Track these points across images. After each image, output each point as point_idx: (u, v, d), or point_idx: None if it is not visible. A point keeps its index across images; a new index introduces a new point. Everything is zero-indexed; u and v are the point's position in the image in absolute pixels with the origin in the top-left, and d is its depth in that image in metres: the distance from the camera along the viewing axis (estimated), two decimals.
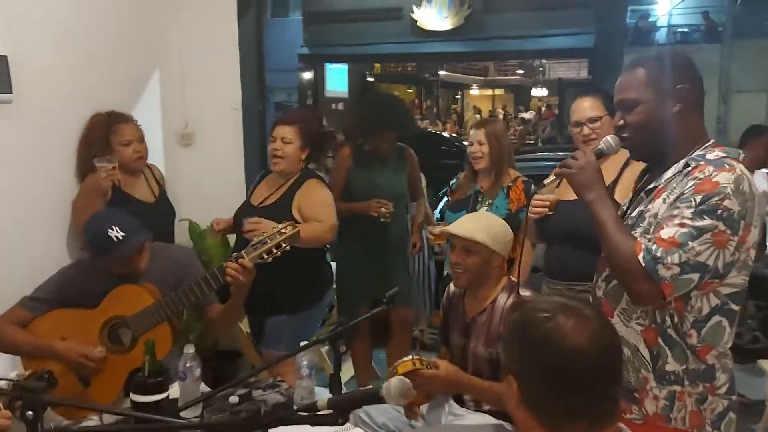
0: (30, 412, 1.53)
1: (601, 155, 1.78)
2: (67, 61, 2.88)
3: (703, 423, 1.66)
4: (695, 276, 1.54)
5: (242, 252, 2.27)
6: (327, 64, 17.19)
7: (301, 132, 2.88)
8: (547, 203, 2.44)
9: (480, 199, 3.12)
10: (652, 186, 1.71)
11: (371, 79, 19.10)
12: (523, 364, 1.08)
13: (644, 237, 1.59)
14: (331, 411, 1.23)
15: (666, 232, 1.54)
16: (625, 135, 1.72)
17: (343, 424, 1.24)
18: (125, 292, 2.30)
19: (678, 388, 1.64)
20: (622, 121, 1.71)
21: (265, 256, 2.28)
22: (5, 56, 2.50)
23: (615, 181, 2.37)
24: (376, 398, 1.25)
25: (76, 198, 2.81)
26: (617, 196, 2.20)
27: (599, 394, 1.06)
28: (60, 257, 2.53)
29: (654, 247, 1.54)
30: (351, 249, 3.53)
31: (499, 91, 23.59)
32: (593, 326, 1.07)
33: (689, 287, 1.56)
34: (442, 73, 19.42)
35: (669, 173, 1.67)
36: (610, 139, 1.77)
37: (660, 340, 1.64)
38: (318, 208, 2.83)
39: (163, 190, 3.08)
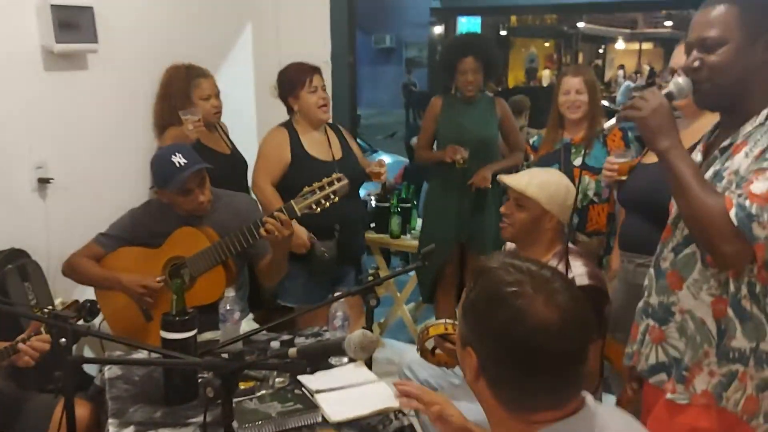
0: (63, 339, 1.66)
1: (671, 99, 1.53)
2: (153, 13, 3.02)
3: (757, 412, 1.48)
4: None
5: (292, 201, 2.29)
6: (459, 18, 16.80)
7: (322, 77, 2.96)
8: (616, 167, 2.24)
9: (573, 151, 2.94)
10: (727, 143, 1.50)
11: (505, 33, 18.43)
12: (486, 342, 1.00)
13: (733, 193, 1.41)
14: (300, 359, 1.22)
15: (758, 187, 1.36)
16: (701, 77, 1.49)
17: (312, 372, 1.23)
18: (186, 234, 2.42)
19: (741, 367, 1.47)
20: (698, 62, 1.49)
21: (314, 207, 2.29)
22: (91, 7, 2.65)
23: None
24: (339, 350, 1.22)
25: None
26: None
27: (567, 374, 0.99)
28: (140, 202, 2.69)
29: (747, 203, 1.36)
30: (435, 197, 3.53)
31: (647, 45, 21.84)
32: (564, 301, 0.98)
33: None
34: (581, 24, 18.31)
35: (747, 127, 1.47)
36: (681, 80, 1.53)
37: (730, 312, 1.47)
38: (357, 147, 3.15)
39: (233, 143, 3.18)
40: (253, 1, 3.73)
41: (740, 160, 1.43)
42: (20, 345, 1.81)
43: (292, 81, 2.89)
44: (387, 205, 3.89)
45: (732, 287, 1.46)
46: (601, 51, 21.80)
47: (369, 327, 2.00)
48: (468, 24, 17.33)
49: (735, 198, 1.38)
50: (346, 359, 2.07)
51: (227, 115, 3.24)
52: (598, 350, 1.94)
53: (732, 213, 1.36)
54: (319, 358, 1.23)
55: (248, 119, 3.83)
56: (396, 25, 18.82)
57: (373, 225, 3.91)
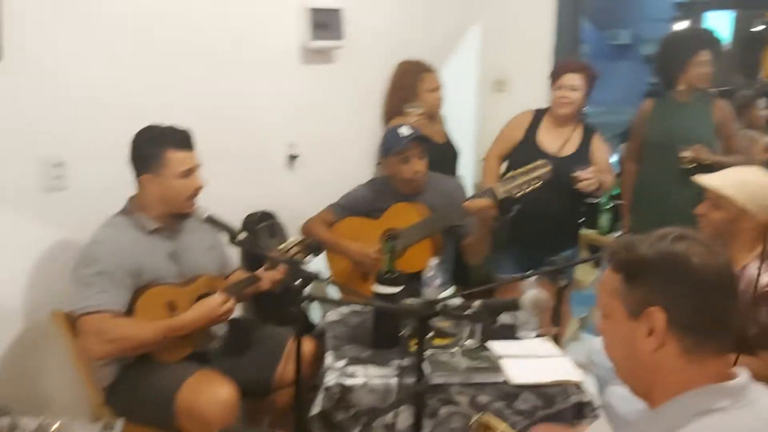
0: (298, 281, 2.05)
1: None
2: (391, 13, 3.41)
3: None
4: None
5: (494, 185, 2.50)
6: (706, 13, 15.44)
7: (587, 80, 3.00)
8: None
9: None
10: None
11: (761, 28, 16.45)
12: (676, 288, 1.10)
13: None
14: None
15: None
16: None
17: (492, 324, 1.42)
18: (401, 209, 2.75)
19: None
20: None
21: (515, 191, 2.48)
22: (340, 9, 3.09)
23: None
24: (515, 306, 1.39)
25: None
26: None
27: (733, 313, 1.13)
28: (367, 178, 3.08)
29: None
30: (645, 195, 3.43)
31: None
32: (715, 246, 1.14)
33: None
34: None
35: None
36: None
37: None
38: (607, 161, 3.14)
39: (448, 134, 3.45)
40: (481, 2, 3.96)
41: None
42: (260, 272, 2.26)
43: (552, 74, 3.10)
44: (597, 201, 3.89)
45: None
46: None
47: (558, 305, 2.14)
48: (718, 19, 15.85)
49: None
50: (534, 333, 2.23)
51: (449, 108, 3.53)
52: None
53: None
54: (499, 312, 1.41)
55: (469, 112, 4.09)
56: (634, 20, 17.82)
57: (582, 220, 3.93)
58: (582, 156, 3.01)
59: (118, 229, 2.16)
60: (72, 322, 2.15)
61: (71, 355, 2.21)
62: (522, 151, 3.02)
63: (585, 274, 3.58)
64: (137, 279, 2.12)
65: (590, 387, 2.12)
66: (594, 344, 2.54)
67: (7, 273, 2.20)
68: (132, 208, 2.20)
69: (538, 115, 3.12)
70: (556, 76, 3.03)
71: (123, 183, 2.19)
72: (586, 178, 2.84)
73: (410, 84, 3.28)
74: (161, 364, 2.14)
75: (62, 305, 2.21)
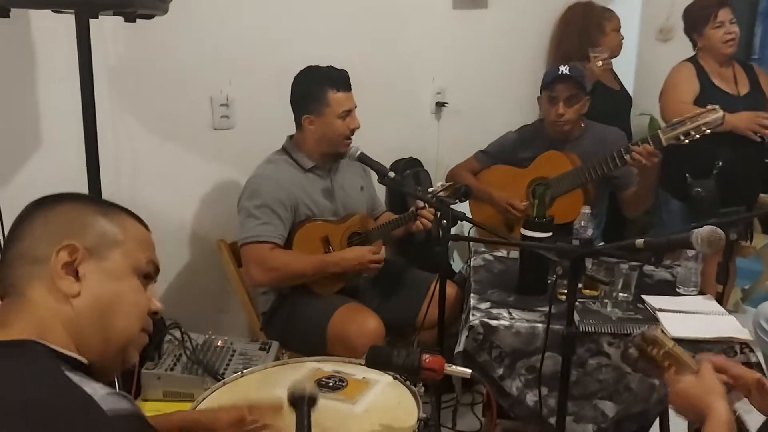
0: (444, 221, 2.05)
1: None
2: None
3: None
4: None
5: (659, 131, 2.33)
6: None
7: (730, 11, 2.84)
8: None
9: None
10: None
11: None
12: None
13: None
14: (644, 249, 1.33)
15: None
16: None
17: (656, 265, 1.33)
18: (551, 157, 2.65)
19: None
20: None
21: (682, 138, 2.29)
22: None
23: None
24: (686, 243, 1.29)
25: None
26: None
27: None
28: (516, 127, 3.00)
29: None
30: None
31: None
32: None
33: None
34: None
35: None
36: None
37: None
38: None
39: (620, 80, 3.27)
40: None
41: None
42: (421, 210, 2.26)
43: (695, 17, 2.90)
44: None
45: None
46: None
47: (726, 261, 1.97)
48: None
49: None
50: (695, 290, 2.08)
51: None
52: None
53: None
54: (666, 250, 1.31)
55: (629, 62, 3.84)
56: None
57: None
58: (759, 91, 2.87)
59: (277, 165, 2.28)
60: (236, 250, 2.31)
61: (234, 281, 2.38)
62: (706, 99, 2.75)
63: (754, 239, 3.27)
64: (295, 213, 2.23)
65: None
66: (763, 308, 2.33)
67: (180, 203, 2.40)
68: (290, 147, 2.31)
69: (695, 62, 2.91)
70: (708, 15, 2.82)
71: (282, 122, 2.29)
72: None
73: (597, 23, 3.16)
74: (315, 295, 2.25)
75: (227, 235, 2.39)
